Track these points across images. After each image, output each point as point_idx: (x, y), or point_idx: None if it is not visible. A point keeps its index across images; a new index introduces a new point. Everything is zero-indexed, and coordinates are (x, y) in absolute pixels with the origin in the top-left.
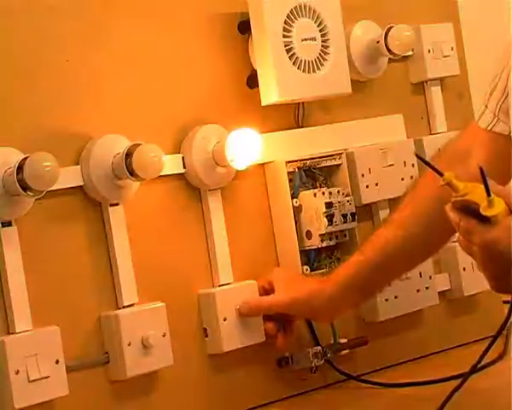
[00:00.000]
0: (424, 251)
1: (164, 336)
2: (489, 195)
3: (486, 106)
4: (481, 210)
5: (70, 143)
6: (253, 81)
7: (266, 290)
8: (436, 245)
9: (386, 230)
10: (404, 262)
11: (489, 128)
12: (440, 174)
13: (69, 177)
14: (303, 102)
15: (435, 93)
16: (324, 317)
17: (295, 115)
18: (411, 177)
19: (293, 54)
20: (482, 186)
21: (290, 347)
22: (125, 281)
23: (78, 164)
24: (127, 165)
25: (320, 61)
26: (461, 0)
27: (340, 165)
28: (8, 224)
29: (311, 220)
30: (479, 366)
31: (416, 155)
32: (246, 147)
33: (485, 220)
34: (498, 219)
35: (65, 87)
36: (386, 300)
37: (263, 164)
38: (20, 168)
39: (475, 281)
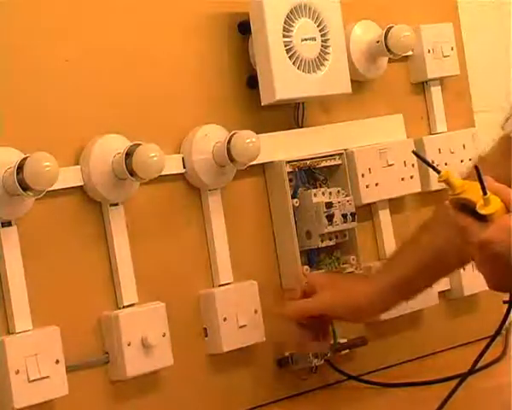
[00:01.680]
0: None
1: (164, 336)
2: (485, 193)
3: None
4: (477, 208)
5: (70, 143)
6: (253, 81)
7: (307, 295)
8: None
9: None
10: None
11: None
12: (437, 171)
13: (69, 177)
14: (303, 102)
15: (435, 93)
16: (363, 318)
17: (295, 115)
18: (411, 177)
19: (293, 54)
20: (479, 185)
21: (290, 347)
22: (124, 281)
23: (78, 164)
24: (127, 165)
25: (320, 61)
26: (461, 0)
27: (340, 165)
28: (8, 224)
29: (311, 220)
30: (479, 366)
31: (414, 152)
32: (246, 147)
33: (482, 219)
34: (495, 218)
35: (65, 87)
36: None
37: (263, 164)
38: (20, 168)
39: (475, 281)
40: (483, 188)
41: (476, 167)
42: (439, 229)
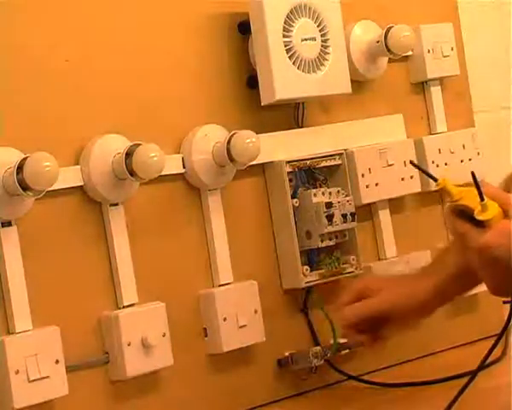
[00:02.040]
0: None
1: (164, 336)
2: (482, 199)
3: None
4: (475, 215)
5: (70, 143)
6: (253, 81)
7: (362, 296)
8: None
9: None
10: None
11: None
12: (434, 179)
13: (69, 177)
14: (303, 102)
15: (435, 93)
16: (426, 313)
17: (295, 115)
18: (411, 177)
19: (293, 54)
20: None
21: (291, 346)
22: (125, 281)
23: (78, 164)
24: (127, 165)
25: (320, 61)
26: (461, 0)
27: (340, 165)
28: (8, 224)
29: (311, 220)
30: (479, 366)
31: (411, 162)
32: (246, 147)
33: (480, 224)
34: (492, 223)
35: (65, 87)
36: None
37: (263, 164)
38: (19, 168)
39: None
40: (480, 194)
41: (473, 173)
42: None
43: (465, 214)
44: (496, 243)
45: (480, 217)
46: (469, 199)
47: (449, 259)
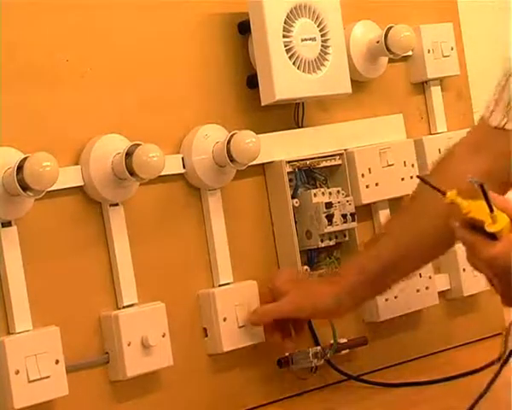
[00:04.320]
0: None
1: (164, 336)
2: (491, 211)
3: (496, 105)
4: (486, 227)
5: (70, 143)
6: (253, 81)
7: (273, 294)
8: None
9: (381, 238)
10: (396, 271)
11: (501, 126)
12: (443, 193)
13: (69, 177)
14: (303, 102)
15: (435, 93)
16: (333, 317)
17: (295, 115)
18: (411, 177)
19: (293, 54)
20: (485, 203)
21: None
22: (125, 281)
23: (78, 164)
24: (127, 165)
25: (320, 61)
26: (461, 0)
27: (340, 165)
28: (8, 224)
29: (311, 220)
30: (478, 366)
31: (418, 177)
32: (246, 147)
33: (490, 236)
34: (503, 235)
35: (65, 87)
36: (386, 300)
37: (263, 164)
38: (19, 168)
39: (475, 281)
40: (489, 206)
41: (482, 186)
42: (422, 212)
43: (475, 227)
44: (506, 253)
45: (490, 229)
46: (478, 211)
47: (367, 261)
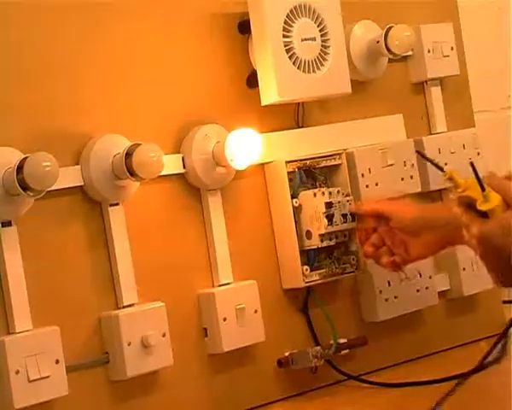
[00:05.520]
0: None
1: (164, 336)
2: (483, 190)
3: None
4: (477, 205)
5: (70, 143)
6: (253, 81)
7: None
8: None
9: None
10: None
11: None
12: (441, 170)
13: (69, 177)
14: (303, 102)
15: (435, 93)
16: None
17: (295, 115)
18: (411, 177)
19: (293, 54)
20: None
21: (291, 346)
22: (124, 281)
23: (78, 164)
24: (127, 165)
25: (320, 61)
26: (461, 0)
27: (340, 165)
28: (8, 224)
29: (311, 220)
30: (479, 366)
31: (417, 152)
32: (246, 147)
33: (484, 215)
34: (495, 213)
35: (65, 87)
36: (386, 300)
37: (263, 164)
38: (20, 168)
39: (475, 281)
40: (481, 185)
41: (472, 164)
42: None
43: (471, 205)
44: (496, 232)
45: (481, 207)
46: (474, 190)
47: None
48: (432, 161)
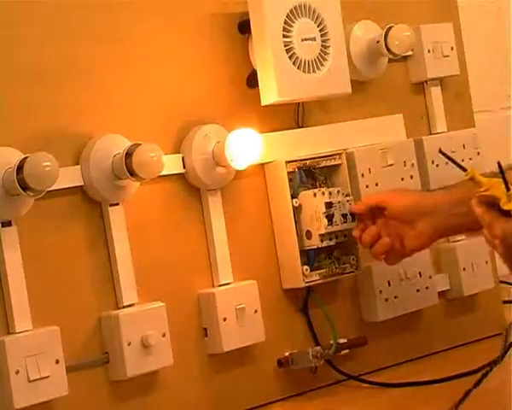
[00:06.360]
0: None
1: (164, 336)
2: (508, 189)
3: None
4: (501, 204)
5: (70, 143)
6: (253, 81)
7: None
8: None
9: None
10: None
11: None
12: (464, 169)
13: (69, 177)
14: (303, 102)
15: (435, 93)
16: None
17: (295, 115)
18: (411, 177)
19: (293, 54)
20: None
21: (291, 346)
22: (124, 281)
23: (78, 164)
24: (127, 165)
25: (320, 61)
26: (461, 0)
27: (340, 165)
28: (8, 224)
29: (311, 220)
30: (478, 366)
31: (440, 151)
32: (246, 147)
33: (508, 215)
34: None
35: (65, 87)
36: (386, 300)
37: (263, 164)
38: (19, 168)
39: (475, 281)
40: (506, 184)
41: (499, 163)
42: None
43: (493, 204)
44: None
45: (505, 206)
46: (497, 189)
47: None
48: (454, 161)
